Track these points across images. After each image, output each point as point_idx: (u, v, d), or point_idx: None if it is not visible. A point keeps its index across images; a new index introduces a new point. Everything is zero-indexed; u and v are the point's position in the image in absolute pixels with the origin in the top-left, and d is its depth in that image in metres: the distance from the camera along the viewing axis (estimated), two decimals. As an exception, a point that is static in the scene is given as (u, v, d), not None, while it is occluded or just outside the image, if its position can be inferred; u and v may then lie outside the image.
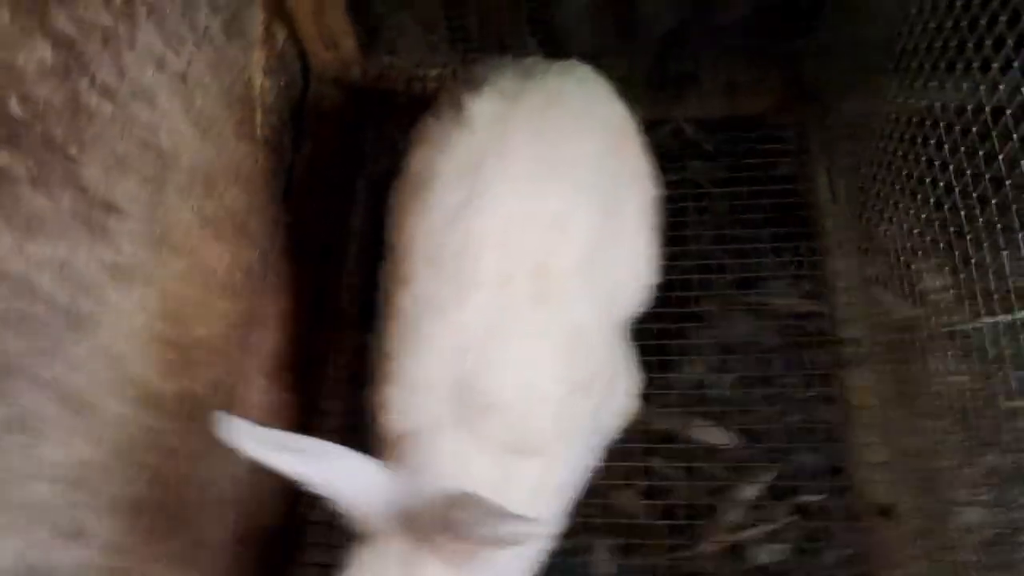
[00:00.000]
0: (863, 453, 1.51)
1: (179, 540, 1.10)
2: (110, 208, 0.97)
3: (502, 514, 0.79)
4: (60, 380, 0.88)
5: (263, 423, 1.33)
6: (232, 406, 1.27)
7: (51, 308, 0.87)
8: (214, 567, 1.19)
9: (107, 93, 0.96)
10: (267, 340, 1.38)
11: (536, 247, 1.01)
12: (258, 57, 1.44)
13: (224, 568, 1.20)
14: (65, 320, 0.89)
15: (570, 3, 1.73)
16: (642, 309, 1.30)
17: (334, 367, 1.57)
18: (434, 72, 1.76)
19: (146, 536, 1.02)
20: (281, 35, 1.57)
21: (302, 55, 1.69)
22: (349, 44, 1.75)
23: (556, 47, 1.77)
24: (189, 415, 1.13)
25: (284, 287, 1.46)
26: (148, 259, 1.05)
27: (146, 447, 1.03)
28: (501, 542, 0.81)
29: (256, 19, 1.43)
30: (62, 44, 0.86)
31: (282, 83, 1.57)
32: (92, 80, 0.93)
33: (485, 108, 1.09)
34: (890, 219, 1.40)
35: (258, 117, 1.42)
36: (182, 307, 1.13)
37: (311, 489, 0.87)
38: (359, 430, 1.64)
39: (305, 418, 1.44)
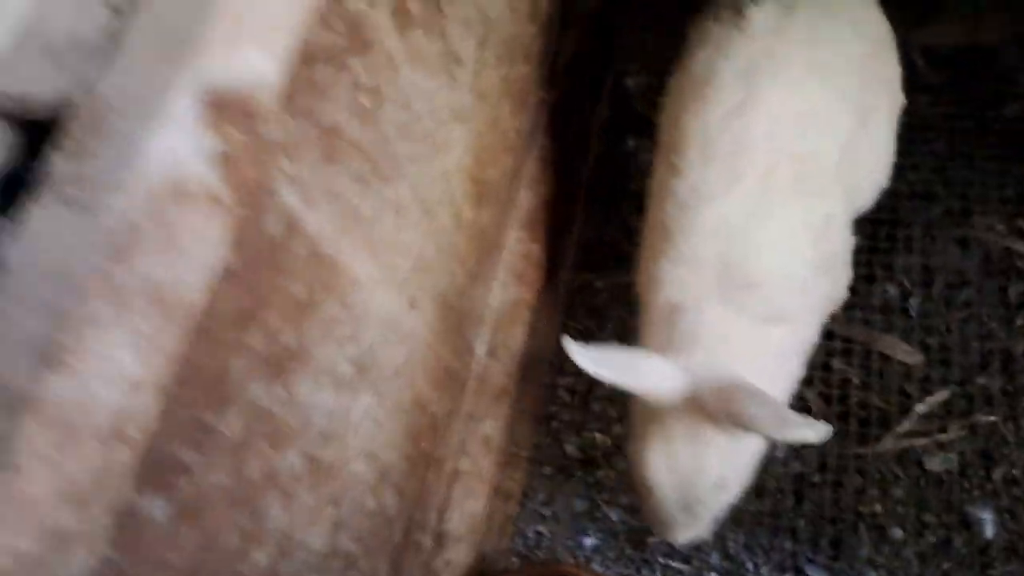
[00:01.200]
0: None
1: (458, 337, 1.38)
2: (457, 60, 1.22)
3: (772, 406, 1.00)
4: (420, 186, 1.14)
5: (518, 268, 1.59)
6: (497, 247, 1.53)
7: (424, 129, 1.12)
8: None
9: (469, -34, 1.19)
10: (526, 197, 1.63)
11: (800, 145, 1.17)
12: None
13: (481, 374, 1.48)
14: (430, 142, 1.14)
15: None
16: (871, 207, 1.44)
17: (571, 233, 1.81)
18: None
19: (444, 323, 1.30)
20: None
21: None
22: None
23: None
24: (473, 242, 1.39)
25: (542, 157, 1.70)
26: (471, 106, 1.29)
27: (451, 258, 1.30)
28: (765, 430, 1.01)
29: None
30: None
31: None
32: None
33: (764, 16, 1.24)
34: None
35: (541, 5, 1.63)
36: (483, 151, 1.37)
37: (623, 388, 1.09)
38: (583, 289, 1.89)
39: (546, 272, 1.69)
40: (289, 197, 0.82)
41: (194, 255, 0.63)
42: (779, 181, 1.17)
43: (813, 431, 0.97)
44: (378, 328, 1.06)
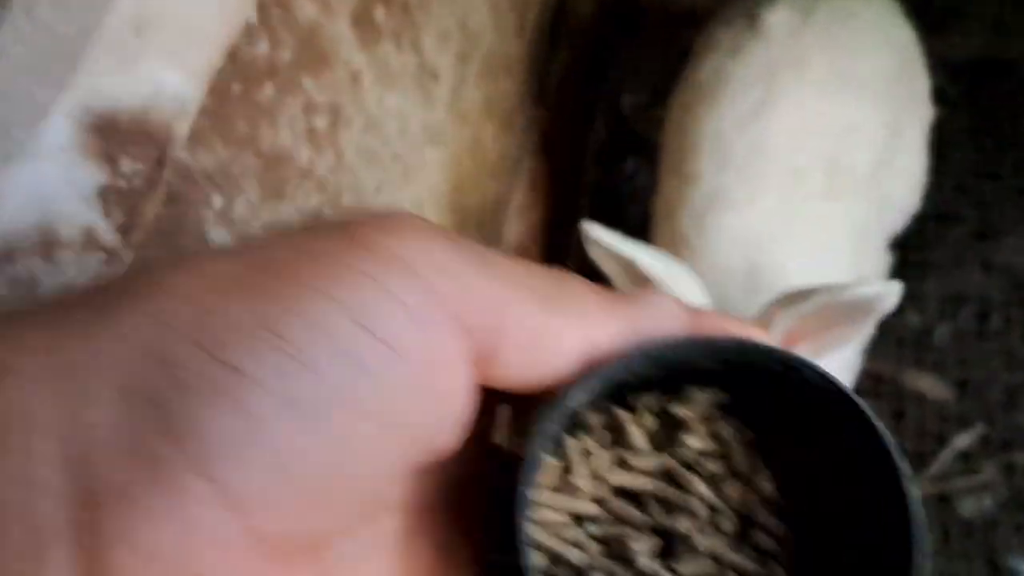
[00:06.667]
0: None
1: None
2: (434, 75, 1.09)
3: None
4: (389, 217, 1.01)
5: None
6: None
7: (391, 153, 1.00)
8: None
9: (445, -29, 1.07)
10: (514, 227, 1.50)
11: (829, 149, 1.05)
12: (533, -38, 1.53)
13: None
14: (400, 168, 1.02)
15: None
16: (902, 232, 1.31)
17: (566, 264, 1.68)
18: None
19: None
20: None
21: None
22: (607, -41, 1.80)
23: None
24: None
25: (531, 183, 1.57)
26: (450, 127, 1.17)
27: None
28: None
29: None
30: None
31: (545, -10, 1.65)
32: (439, -44, 1.04)
33: (781, 19, 1.12)
34: None
35: (530, 19, 1.52)
36: (463, 177, 1.25)
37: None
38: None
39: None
40: (219, 238, 0.69)
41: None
42: (807, 186, 1.04)
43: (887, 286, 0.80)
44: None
